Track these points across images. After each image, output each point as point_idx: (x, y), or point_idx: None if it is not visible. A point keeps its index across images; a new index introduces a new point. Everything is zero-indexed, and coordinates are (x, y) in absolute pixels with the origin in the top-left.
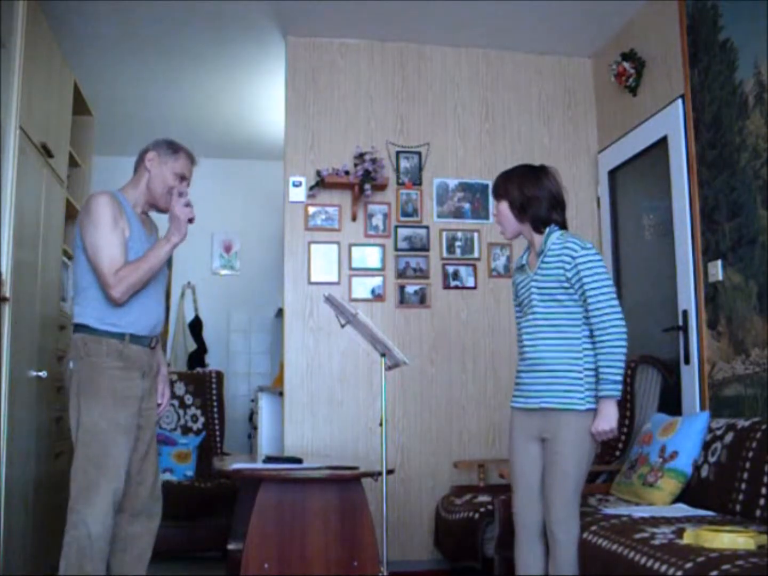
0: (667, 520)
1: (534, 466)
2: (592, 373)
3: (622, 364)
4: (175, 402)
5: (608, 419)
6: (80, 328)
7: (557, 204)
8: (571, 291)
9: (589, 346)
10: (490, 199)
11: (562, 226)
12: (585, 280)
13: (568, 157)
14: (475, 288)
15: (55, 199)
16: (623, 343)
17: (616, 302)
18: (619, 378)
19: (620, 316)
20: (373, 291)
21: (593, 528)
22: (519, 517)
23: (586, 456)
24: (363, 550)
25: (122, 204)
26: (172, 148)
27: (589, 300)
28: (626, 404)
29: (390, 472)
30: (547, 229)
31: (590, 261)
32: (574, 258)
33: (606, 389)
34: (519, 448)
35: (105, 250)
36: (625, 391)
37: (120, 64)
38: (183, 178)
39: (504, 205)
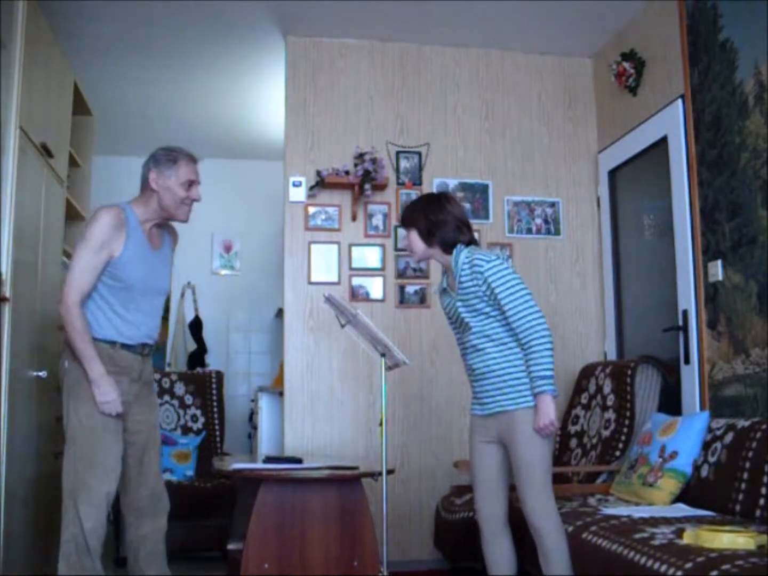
0: (667, 520)
1: (491, 463)
2: None
3: (550, 359)
4: (175, 402)
5: (545, 414)
6: None
7: (462, 225)
8: (492, 303)
9: None
10: (491, 199)
11: (470, 243)
12: (497, 290)
13: (568, 157)
14: None
15: (55, 199)
16: (547, 339)
17: (532, 302)
18: (549, 373)
19: (539, 315)
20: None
21: (593, 528)
22: (481, 512)
23: (545, 444)
24: (363, 550)
25: (128, 219)
26: (170, 158)
27: (506, 307)
28: (626, 404)
29: (390, 472)
30: (455, 251)
31: (497, 272)
32: (482, 273)
33: (538, 385)
34: (477, 450)
35: (77, 274)
36: (625, 391)
37: (120, 64)
38: (191, 182)
39: (413, 233)
